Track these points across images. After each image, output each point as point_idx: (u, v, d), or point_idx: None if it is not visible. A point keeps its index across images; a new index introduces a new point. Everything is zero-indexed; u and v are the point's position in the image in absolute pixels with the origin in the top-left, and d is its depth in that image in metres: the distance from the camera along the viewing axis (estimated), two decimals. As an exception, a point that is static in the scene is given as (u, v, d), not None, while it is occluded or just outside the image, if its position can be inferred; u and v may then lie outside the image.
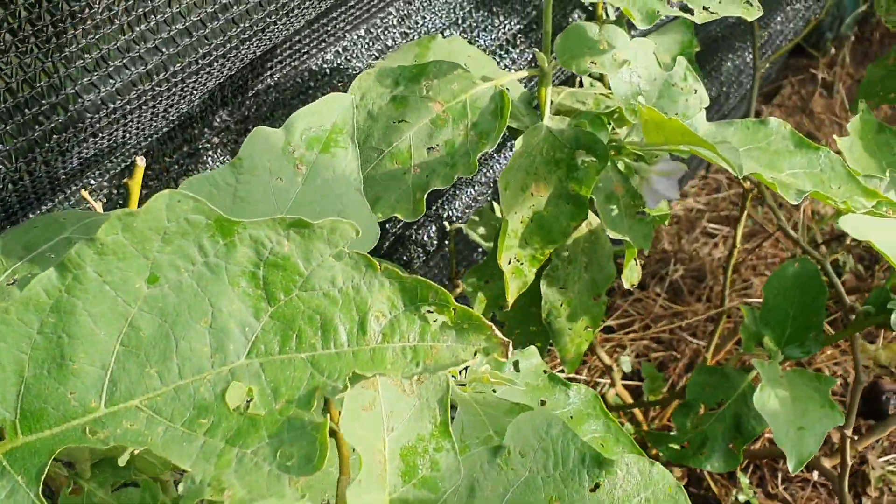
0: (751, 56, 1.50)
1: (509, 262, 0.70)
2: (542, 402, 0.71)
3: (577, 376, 1.60)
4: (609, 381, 1.61)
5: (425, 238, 0.96)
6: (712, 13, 0.62)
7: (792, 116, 2.20)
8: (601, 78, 0.91)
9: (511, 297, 0.71)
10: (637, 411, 1.43)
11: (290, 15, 0.64)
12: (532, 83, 0.97)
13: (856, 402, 0.94)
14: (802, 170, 0.74)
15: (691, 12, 0.62)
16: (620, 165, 0.77)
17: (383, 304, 0.37)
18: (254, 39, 0.63)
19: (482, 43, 0.88)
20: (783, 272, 0.86)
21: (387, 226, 0.92)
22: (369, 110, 0.65)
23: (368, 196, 0.65)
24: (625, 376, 1.63)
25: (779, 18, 1.55)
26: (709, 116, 1.54)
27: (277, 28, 0.63)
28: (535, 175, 0.69)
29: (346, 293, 0.37)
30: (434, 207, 0.97)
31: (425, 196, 0.64)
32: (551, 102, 0.73)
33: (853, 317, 0.87)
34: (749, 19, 0.63)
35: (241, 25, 0.59)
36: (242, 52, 0.63)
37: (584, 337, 0.86)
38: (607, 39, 0.67)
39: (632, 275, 0.80)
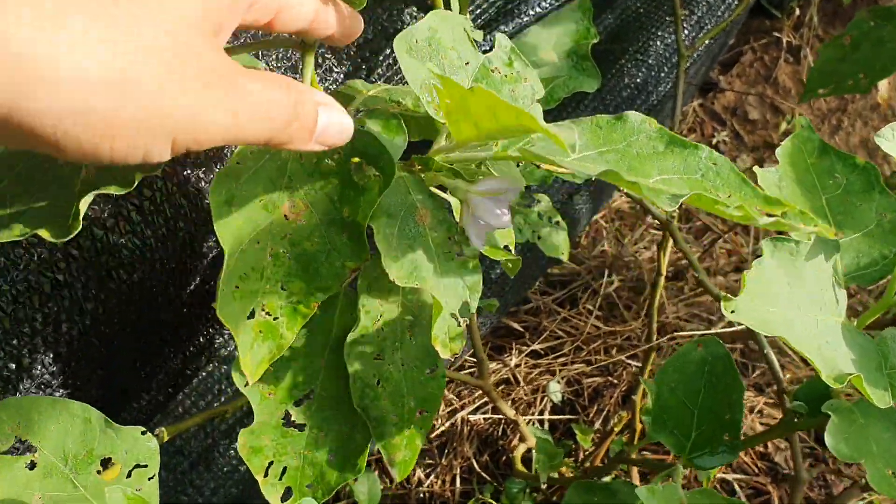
0: (685, 31, 1.25)
1: (251, 316, 0.47)
2: None
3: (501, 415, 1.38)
4: (535, 413, 1.40)
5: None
6: None
7: (754, 87, 1.95)
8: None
9: (257, 369, 0.47)
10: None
11: None
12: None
13: (795, 506, 0.72)
14: (678, 175, 0.53)
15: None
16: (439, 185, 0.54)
17: None
18: None
19: None
20: (682, 360, 0.64)
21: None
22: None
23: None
24: (555, 409, 1.42)
25: (721, -16, 1.30)
26: (635, 107, 1.31)
27: None
28: (290, 188, 0.47)
29: None
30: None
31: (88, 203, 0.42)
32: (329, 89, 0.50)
33: (787, 407, 0.65)
34: None
35: None
36: None
37: (419, 425, 0.62)
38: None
39: (452, 342, 0.55)
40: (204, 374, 0.86)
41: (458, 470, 1.36)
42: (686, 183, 0.54)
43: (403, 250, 0.52)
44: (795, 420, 0.63)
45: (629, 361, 1.42)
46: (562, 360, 1.44)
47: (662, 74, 1.25)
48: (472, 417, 1.38)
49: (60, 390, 0.63)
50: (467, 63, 0.55)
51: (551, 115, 1.05)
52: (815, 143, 0.71)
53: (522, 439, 1.14)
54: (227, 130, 0.34)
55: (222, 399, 0.94)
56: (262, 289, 0.47)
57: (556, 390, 1.41)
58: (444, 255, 0.53)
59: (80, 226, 0.43)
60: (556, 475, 1.25)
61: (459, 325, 0.56)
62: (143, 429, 0.54)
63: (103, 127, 0.30)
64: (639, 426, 1.14)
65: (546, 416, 1.40)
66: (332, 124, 0.40)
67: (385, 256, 0.50)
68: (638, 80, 1.21)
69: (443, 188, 0.56)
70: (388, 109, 0.57)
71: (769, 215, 0.50)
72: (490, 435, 1.38)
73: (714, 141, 1.85)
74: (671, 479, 0.66)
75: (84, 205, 0.43)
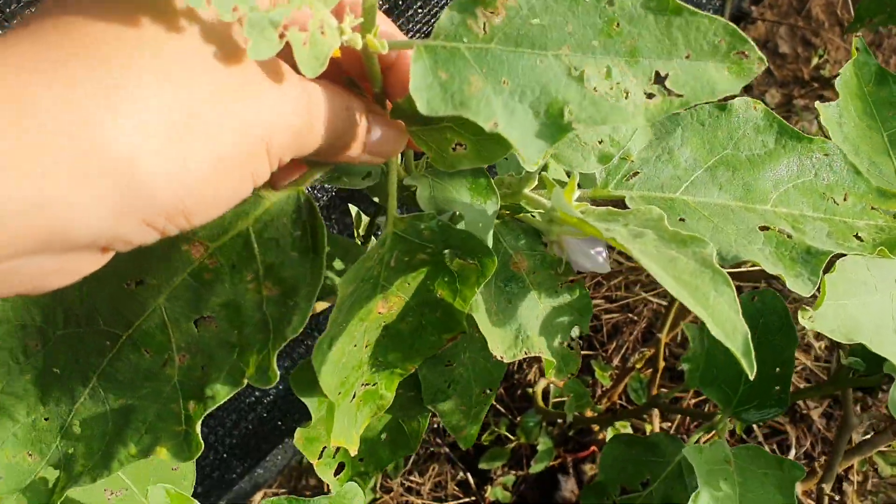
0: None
1: (352, 398, 0.44)
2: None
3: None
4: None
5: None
6: (677, 96, 0.33)
7: (786, 18, 1.88)
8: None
9: (358, 436, 0.45)
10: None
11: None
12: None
13: (839, 455, 0.71)
14: (791, 182, 0.50)
15: (651, 96, 0.33)
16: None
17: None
18: None
19: None
20: (736, 312, 0.61)
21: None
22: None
23: (115, 408, 0.39)
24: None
25: None
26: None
27: None
28: (382, 294, 0.43)
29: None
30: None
31: (204, 414, 0.38)
32: (402, 185, 0.47)
33: (839, 365, 0.62)
34: (734, 90, 0.34)
35: None
36: None
37: (483, 401, 0.63)
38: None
39: (568, 367, 0.53)
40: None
41: (474, 402, 1.35)
42: (801, 191, 0.51)
43: (503, 308, 0.49)
44: (851, 376, 0.60)
45: (651, 298, 1.40)
46: (581, 294, 1.42)
47: (704, 1, 1.19)
48: (489, 350, 1.37)
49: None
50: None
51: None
52: (872, 68, 0.67)
53: (542, 374, 1.13)
54: (300, 132, 0.33)
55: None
56: (361, 373, 0.45)
57: (574, 325, 1.39)
58: (546, 291, 0.51)
59: (202, 446, 0.39)
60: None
61: (573, 349, 0.55)
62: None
63: (206, 170, 0.30)
64: (662, 364, 1.12)
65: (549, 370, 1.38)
66: (384, 134, 0.39)
67: (488, 331, 0.48)
68: None
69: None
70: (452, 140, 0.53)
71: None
72: (506, 368, 1.37)
73: (743, 73, 1.79)
74: (714, 430, 0.63)
75: (198, 426, 0.39)
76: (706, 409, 1.12)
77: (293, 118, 0.33)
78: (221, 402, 0.38)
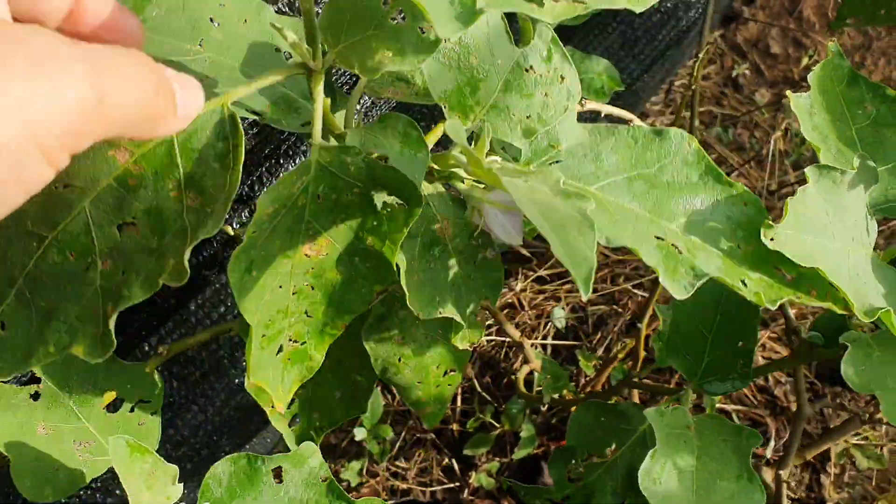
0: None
1: (279, 352, 0.46)
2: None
3: (493, 338, 1.39)
4: (539, 337, 1.41)
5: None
6: (580, 4, 0.36)
7: (778, 19, 1.91)
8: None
9: (287, 396, 0.46)
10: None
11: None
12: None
13: (796, 439, 0.73)
14: (702, 216, 0.50)
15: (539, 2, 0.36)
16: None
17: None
18: None
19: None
20: (702, 287, 0.63)
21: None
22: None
23: (40, 309, 0.41)
24: (558, 334, 1.43)
25: None
26: (665, 32, 1.28)
27: None
28: (309, 231, 0.44)
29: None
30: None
31: (117, 312, 0.40)
32: (325, 121, 0.46)
33: (796, 341, 0.65)
34: (638, 10, 0.37)
35: None
36: None
37: (447, 382, 0.63)
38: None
39: (472, 333, 0.56)
40: (218, 285, 0.85)
41: (460, 389, 1.37)
42: (709, 227, 0.51)
43: (423, 268, 0.50)
44: (811, 350, 0.63)
45: (635, 291, 1.42)
46: (567, 286, 1.44)
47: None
48: (476, 338, 1.39)
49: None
50: (499, 61, 0.49)
51: (579, 35, 1.03)
52: (844, 70, 0.70)
53: (526, 361, 1.15)
54: (88, 111, 0.29)
55: (236, 312, 0.94)
56: (288, 324, 0.45)
57: (560, 316, 1.42)
58: (466, 260, 0.52)
59: (115, 344, 0.41)
60: (556, 398, 1.26)
61: (478, 319, 0.56)
62: (148, 365, 0.54)
63: None
64: (642, 354, 1.15)
65: (549, 342, 1.41)
66: (189, 94, 0.37)
67: (407, 287, 0.49)
68: (669, 5, 1.18)
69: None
70: (398, 91, 0.53)
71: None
72: (493, 357, 1.39)
73: (734, 73, 1.81)
74: (679, 402, 0.66)
75: (115, 311, 0.41)
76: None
77: (74, 96, 0.28)
78: (135, 302, 0.40)
